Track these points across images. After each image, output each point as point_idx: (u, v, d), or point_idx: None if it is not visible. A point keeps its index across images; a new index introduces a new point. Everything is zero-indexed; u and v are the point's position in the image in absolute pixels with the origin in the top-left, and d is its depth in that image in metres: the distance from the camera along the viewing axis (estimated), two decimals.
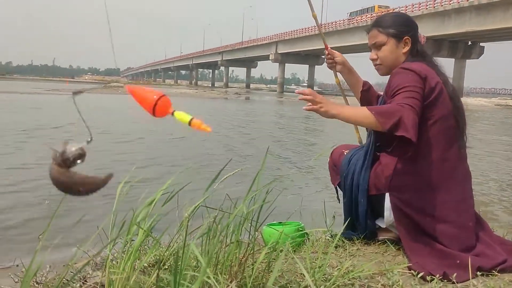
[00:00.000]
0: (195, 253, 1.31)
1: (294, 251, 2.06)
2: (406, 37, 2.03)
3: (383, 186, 1.96)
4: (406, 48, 2.04)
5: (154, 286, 1.42)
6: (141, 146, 8.50)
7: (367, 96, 2.29)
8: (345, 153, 2.20)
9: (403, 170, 1.91)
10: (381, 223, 2.07)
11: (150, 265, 1.67)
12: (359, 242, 2.09)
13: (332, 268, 1.73)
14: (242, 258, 1.45)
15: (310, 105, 1.76)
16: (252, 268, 1.44)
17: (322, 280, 1.56)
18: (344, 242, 2.10)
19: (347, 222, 2.13)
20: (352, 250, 2.02)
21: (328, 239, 2.14)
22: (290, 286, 1.48)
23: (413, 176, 1.90)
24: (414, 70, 1.88)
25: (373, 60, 2.10)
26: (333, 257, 1.95)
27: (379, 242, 2.07)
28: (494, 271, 1.76)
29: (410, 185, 1.90)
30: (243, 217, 1.46)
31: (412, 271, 1.75)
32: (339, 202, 2.25)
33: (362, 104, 2.27)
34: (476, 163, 7.26)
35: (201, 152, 7.93)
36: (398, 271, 1.75)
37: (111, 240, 1.35)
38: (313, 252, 1.98)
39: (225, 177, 1.59)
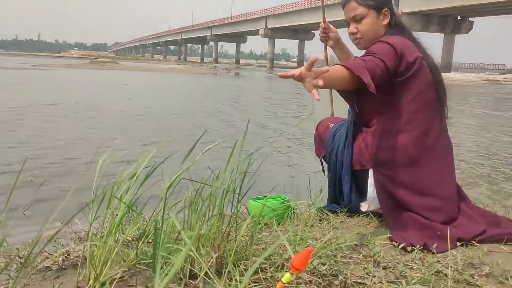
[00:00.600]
0: (175, 224, 1.32)
1: (279, 224, 2.08)
2: (386, 9, 2.01)
3: (366, 162, 1.97)
4: (386, 20, 2.02)
5: (137, 259, 1.43)
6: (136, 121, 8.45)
7: None
8: (331, 127, 2.20)
9: (386, 145, 1.92)
10: (363, 206, 2.08)
11: (134, 239, 1.67)
12: (342, 215, 2.11)
13: (315, 240, 1.75)
14: (225, 231, 1.45)
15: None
16: (235, 241, 1.45)
17: None
18: (328, 215, 2.12)
19: (331, 196, 2.15)
20: (335, 223, 2.04)
21: (312, 213, 2.16)
22: (273, 258, 1.49)
23: (395, 152, 1.91)
24: (392, 44, 1.87)
25: (353, 34, 2.06)
26: (317, 229, 1.97)
27: (363, 215, 2.09)
28: (473, 242, 1.79)
29: (393, 160, 1.91)
30: (226, 189, 1.46)
31: (393, 242, 1.77)
32: (324, 175, 2.26)
33: None
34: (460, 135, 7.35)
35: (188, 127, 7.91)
36: (380, 242, 1.77)
37: (92, 213, 1.34)
38: (297, 225, 1.99)
39: (206, 149, 1.58)
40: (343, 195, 2.11)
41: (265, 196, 2.37)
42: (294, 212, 2.24)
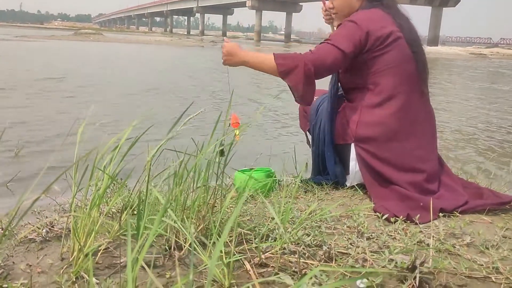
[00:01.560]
0: (156, 195, 1.31)
1: (264, 196, 2.08)
2: None
3: (348, 137, 1.97)
4: None
5: (121, 231, 1.42)
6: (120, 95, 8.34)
7: None
8: (314, 99, 2.19)
9: (367, 121, 1.92)
10: (347, 180, 2.09)
11: (118, 210, 1.67)
12: (328, 187, 2.12)
13: (300, 211, 1.76)
14: (209, 202, 1.45)
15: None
16: (220, 212, 1.45)
17: (289, 223, 1.59)
18: (313, 187, 2.13)
19: (315, 168, 2.15)
20: (320, 194, 2.05)
21: (297, 184, 2.16)
22: (258, 229, 1.50)
23: (377, 127, 1.91)
24: (356, 22, 1.87)
25: (329, 9, 2.08)
26: (302, 201, 1.98)
27: (348, 187, 2.11)
28: (455, 212, 1.82)
29: (374, 136, 1.91)
30: (210, 160, 1.45)
31: (377, 213, 1.79)
32: (310, 148, 2.26)
33: None
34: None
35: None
36: (364, 213, 1.79)
37: (74, 184, 1.33)
38: (282, 197, 2.00)
39: (188, 118, 1.56)
40: (327, 169, 2.12)
41: (251, 169, 2.37)
42: (279, 184, 2.24)
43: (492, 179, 2.63)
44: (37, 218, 1.58)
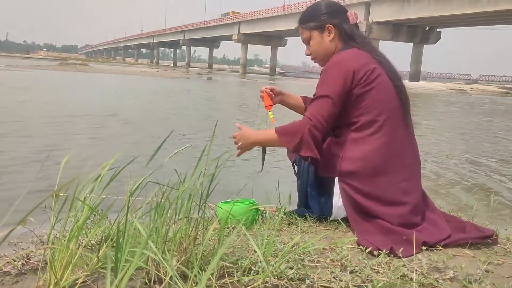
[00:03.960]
0: (138, 227, 1.29)
1: (247, 228, 2.06)
2: (328, 25, 2.06)
3: (333, 172, 1.98)
4: (331, 36, 2.08)
5: (100, 264, 1.39)
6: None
7: None
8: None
9: (351, 156, 1.93)
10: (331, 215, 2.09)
11: (98, 242, 1.63)
12: (311, 219, 2.11)
13: (284, 244, 1.74)
14: (191, 234, 1.43)
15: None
16: (202, 244, 1.43)
17: (272, 256, 1.57)
18: (297, 219, 2.12)
19: (301, 200, 2.15)
20: (304, 227, 2.04)
21: (281, 217, 2.15)
22: (241, 262, 1.47)
23: (360, 162, 1.92)
24: (341, 66, 1.94)
25: (308, 55, 2.16)
26: (285, 233, 1.97)
27: (331, 220, 2.10)
28: (438, 246, 1.82)
29: (358, 171, 1.92)
30: (192, 193, 1.44)
31: (360, 247, 1.78)
32: (298, 178, 2.25)
33: None
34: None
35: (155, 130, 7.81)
36: (347, 246, 1.78)
37: (53, 215, 1.30)
38: (265, 230, 1.99)
39: (174, 152, 1.56)
40: (311, 204, 2.11)
41: (234, 200, 2.35)
42: (262, 216, 2.23)
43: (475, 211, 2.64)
44: (13, 250, 1.54)
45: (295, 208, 2.25)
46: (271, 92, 2.33)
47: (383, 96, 1.93)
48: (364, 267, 1.56)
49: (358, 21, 2.12)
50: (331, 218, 2.07)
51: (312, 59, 2.16)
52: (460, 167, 6.02)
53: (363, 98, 1.92)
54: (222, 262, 1.47)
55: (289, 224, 2.08)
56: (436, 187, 4.74)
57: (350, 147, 1.93)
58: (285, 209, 2.22)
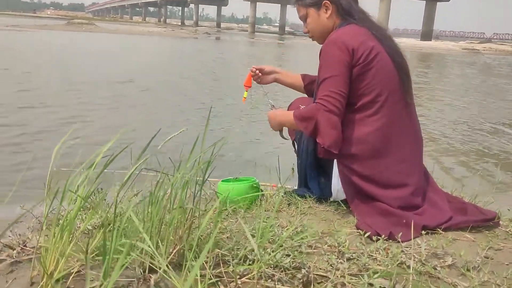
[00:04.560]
0: (131, 216, 1.27)
1: (247, 208, 2.05)
2: (324, 1, 1.99)
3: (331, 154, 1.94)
4: (329, 12, 2.00)
5: (95, 252, 1.39)
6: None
7: (311, 88, 2.28)
8: (301, 108, 2.15)
9: (349, 138, 1.88)
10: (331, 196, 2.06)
11: (95, 227, 1.63)
12: (311, 200, 2.09)
13: (282, 228, 1.73)
14: (186, 222, 1.42)
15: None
16: (198, 232, 1.42)
17: (269, 242, 1.56)
18: (296, 199, 2.10)
19: (301, 180, 2.13)
20: (304, 208, 2.02)
21: (281, 196, 2.13)
22: (237, 250, 1.47)
23: (359, 145, 1.87)
24: (339, 43, 1.85)
25: (306, 33, 2.09)
26: (284, 215, 1.96)
27: (331, 201, 2.08)
28: (439, 229, 1.80)
29: (356, 154, 1.88)
30: (188, 179, 1.41)
31: (359, 231, 1.77)
32: (298, 158, 2.22)
33: (308, 96, 2.31)
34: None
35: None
36: (346, 231, 1.76)
37: (46, 206, 1.29)
38: (265, 210, 1.97)
39: (169, 138, 1.53)
40: (311, 184, 2.09)
41: (236, 178, 2.33)
42: (263, 195, 2.21)
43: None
44: (9, 236, 1.54)
45: (296, 187, 2.23)
46: (259, 72, 2.28)
47: (382, 76, 1.87)
48: (362, 253, 1.55)
49: None
50: (331, 199, 2.05)
51: (310, 37, 2.08)
52: (474, 134, 5.93)
53: (362, 78, 1.86)
54: (218, 250, 1.46)
55: (289, 205, 2.07)
56: (447, 154, 4.68)
57: (349, 128, 1.88)
58: (285, 189, 2.20)
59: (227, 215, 1.87)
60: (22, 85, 7.87)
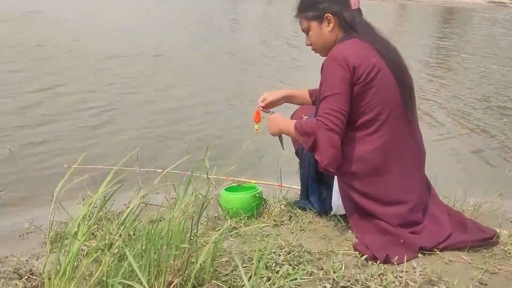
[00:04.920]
0: (132, 264, 1.32)
1: (249, 218, 2.10)
2: (327, 14, 1.94)
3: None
4: (331, 26, 1.96)
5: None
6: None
7: None
8: (304, 118, 2.15)
9: (349, 156, 1.88)
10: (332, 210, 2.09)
11: (102, 249, 1.70)
12: (312, 213, 2.12)
13: (280, 249, 1.77)
14: (183, 259, 1.47)
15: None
16: (196, 262, 1.46)
17: (266, 267, 1.61)
18: (298, 212, 2.14)
19: (303, 191, 2.16)
20: (304, 222, 2.05)
21: (282, 208, 2.17)
22: (232, 282, 1.52)
23: (360, 163, 1.88)
24: (340, 60, 1.82)
25: (309, 46, 2.06)
26: (284, 230, 2.00)
27: (332, 215, 2.11)
28: (436, 250, 1.82)
29: (357, 172, 1.88)
30: (183, 220, 1.45)
31: (356, 252, 1.80)
32: (300, 168, 2.22)
33: None
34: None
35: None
36: (343, 253, 1.80)
37: (48, 254, 1.35)
38: (266, 225, 2.02)
39: (165, 171, 1.56)
40: (312, 198, 2.12)
41: (239, 185, 2.37)
42: (266, 202, 2.24)
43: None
44: (17, 264, 1.61)
45: (298, 198, 2.26)
46: (266, 108, 2.27)
47: (383, 94, 1.85)
48: (357, 280, 1.59)
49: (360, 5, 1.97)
50: (332, 213, 2.08)
51: (312, 49, 2.05)
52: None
53: (362, 97, 1.84)
54: (215, 282, 1.51)
55: (290, 218, 2.10)
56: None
57: (349, 146, 1.88)
58: (286, 200, 2.24)
59: (227, 233, 1.91)
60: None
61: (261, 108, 2.27)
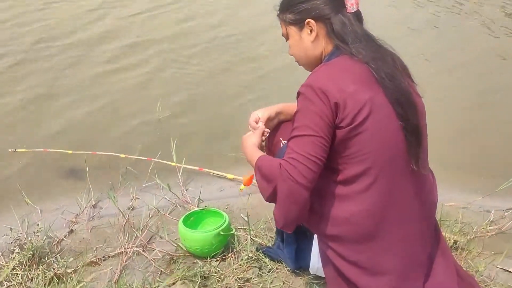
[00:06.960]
0: None
1: (213, 256, 1.74)
2: (307, 19, 1.42)
3: (311, 228, 1.53)
4: (313, 35, 1.43)
5: None
6: None
7: None
8: (282, 143, 1.67)
9: (334, 216, 1.43)
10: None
11: None
12: (286, 270, 1.75)
13: None
14: None
15: None
16: None
17: None
18: (268, 264, 1.77)
19: (278, 234, 1.78)
20: (275, 286, 1.68)
21: (249, 257, 1.77)
22: None
23: (345, 226, 1.42)
24: (318, 91, 1.32)
25: (292, 56, 1.56)
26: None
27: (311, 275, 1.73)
28: None
29: (341, 236, 1.44)
30: None
31: None
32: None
33: None
34: None
35: None
36: None
37: None
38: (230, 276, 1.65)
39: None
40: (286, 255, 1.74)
41: (202, 209, 1.98)
42: (234, 237, 1.86)
43: None
44: None
45: (273, 242, 1.86)
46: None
47: (378, 142, 1.36)
48: None
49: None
50: (311, 272, 1.70)
51: (296, 61, 1.56)
52: None
53: (347, 145, 1.35)
54: None
55: (260, 269, 1.72)
56: None
57: (331, 203, 1.43)
58: (257, 245, 1.84)
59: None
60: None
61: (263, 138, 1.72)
